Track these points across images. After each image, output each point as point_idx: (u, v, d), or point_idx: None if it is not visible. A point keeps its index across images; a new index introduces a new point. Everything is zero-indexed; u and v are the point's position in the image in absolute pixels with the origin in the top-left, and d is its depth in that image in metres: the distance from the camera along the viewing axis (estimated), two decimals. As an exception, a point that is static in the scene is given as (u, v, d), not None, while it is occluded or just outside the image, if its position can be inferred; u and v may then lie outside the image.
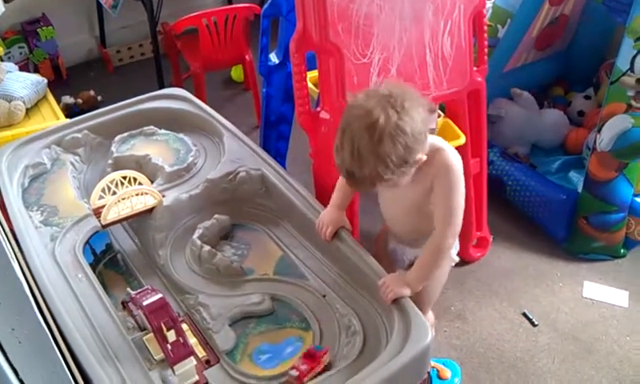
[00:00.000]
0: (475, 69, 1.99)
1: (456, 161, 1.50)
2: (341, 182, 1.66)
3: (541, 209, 2.41)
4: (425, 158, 1.42)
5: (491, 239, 2.39)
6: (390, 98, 1.35)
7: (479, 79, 2.01)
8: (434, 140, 1.50)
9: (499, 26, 2.56)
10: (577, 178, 2.50)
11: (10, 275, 0.62)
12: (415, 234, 1.64)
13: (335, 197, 1.65)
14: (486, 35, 2.01)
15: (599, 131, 2.21)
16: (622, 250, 2.37)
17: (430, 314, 1.91)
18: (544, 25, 2.66)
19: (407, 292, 1.43)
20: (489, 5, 2.48)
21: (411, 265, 1.60)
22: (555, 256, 2.40)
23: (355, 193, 1.73)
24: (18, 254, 1.54)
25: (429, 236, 1.52)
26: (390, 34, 1.75)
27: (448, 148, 1.51)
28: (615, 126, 2.16)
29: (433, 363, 1.92)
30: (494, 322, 2.14)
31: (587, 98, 2.81)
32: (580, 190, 2.34)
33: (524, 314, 2.16)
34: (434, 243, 1.51)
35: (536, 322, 2.13)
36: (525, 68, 2.83)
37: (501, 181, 2.51)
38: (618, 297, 2.22)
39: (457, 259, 1.77)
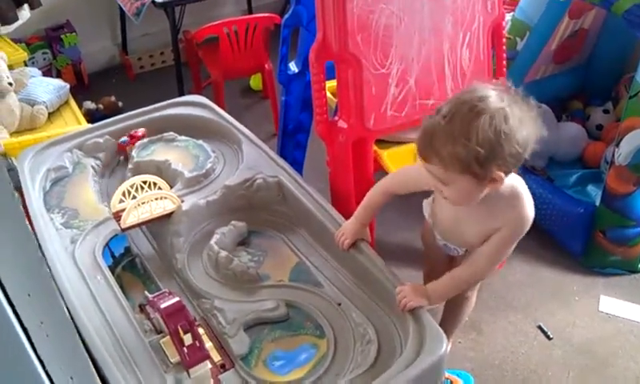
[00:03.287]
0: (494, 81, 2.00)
1: (531, 215, 1.43)
2: (367, 198, 1.64)
3: (558, 222, 2.40)
4: (501, 185, 1.34)
5: (507, 251, 2.38)
6: (514, 96, 1.32)
7: (497, 91, 2.02)
8: (518, 182, 1.44)
9: (518, 39, 2.56)
10: (595, 192, 2.48)
11: (40, 269, 0.64)
12: (466, 245, 1.59)
13: (360, 211, 1.63)
14: (504, 47, 2.02)
15: (617, 145, 2.20)
16: (639, 265, 2.35)
17: (474, 297, 1.87)
18: (563, 38, 2.66)
19: (424, 303, 1.43)
20: (508, 17, 2.48)
21: (463, 256, 1.59)
22: (571, 269, 2.38)
23: (380, 209, 1.68)
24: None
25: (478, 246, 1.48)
26: (409, 46, 1.76)
27: (527, 199, 1.44)
28: (634, 140, 2.15)
29: (447, 374, 1.92)
30: (508, 335, 2.13)
31: (606, 111, 2.80)
32: (598, 203, 2.32)
33: (539, 327, 2.15)
34: (470, 272, 1.48)
35: (551, 336, 2.12)
36: (543, 81, 2.82)
37: (517, 193, 2.49)
38: (635, 312, 2.20)
39: None
